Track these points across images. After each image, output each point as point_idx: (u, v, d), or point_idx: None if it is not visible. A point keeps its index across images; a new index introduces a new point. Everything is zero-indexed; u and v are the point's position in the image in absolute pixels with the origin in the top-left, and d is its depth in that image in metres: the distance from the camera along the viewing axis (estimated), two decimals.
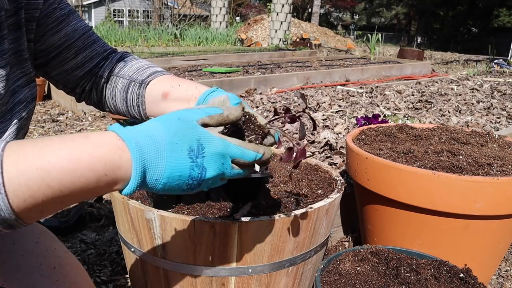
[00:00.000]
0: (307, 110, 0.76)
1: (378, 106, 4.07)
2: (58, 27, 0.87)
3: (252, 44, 12.88)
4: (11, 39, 0.75)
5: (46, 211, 0.54)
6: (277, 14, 12.72)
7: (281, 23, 12.70)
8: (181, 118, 0.59)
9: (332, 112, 3.69)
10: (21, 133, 0.80)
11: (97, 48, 0.94)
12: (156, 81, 0.91)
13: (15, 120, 0.76)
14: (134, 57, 0.98)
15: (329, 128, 3.06)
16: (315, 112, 3.65)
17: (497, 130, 3.14)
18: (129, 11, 21.23)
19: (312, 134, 2.81)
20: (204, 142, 0.58)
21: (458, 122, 3.34)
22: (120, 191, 0.57)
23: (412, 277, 1.03)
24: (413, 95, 4.74)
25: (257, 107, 3.91)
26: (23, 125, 0.80)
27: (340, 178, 1.28)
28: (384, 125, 1.83)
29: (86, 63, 0.93)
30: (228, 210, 1.05)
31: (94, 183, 0.53)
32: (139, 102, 0.91)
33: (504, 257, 1.75)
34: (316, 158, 2.27)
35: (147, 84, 0.90)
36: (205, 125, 0.61)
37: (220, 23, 13.98)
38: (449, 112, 3.81)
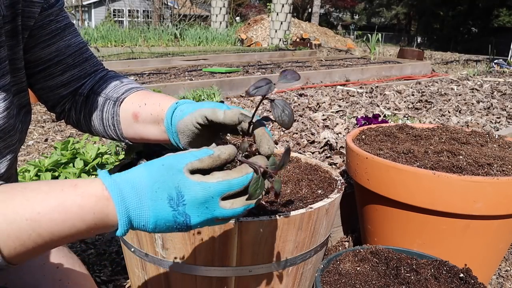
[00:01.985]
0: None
1: (378, 106, 4.07)
2: (51, 40, 0.82)
3: (252, 44, 12.88)
4: (8, 46, 0.72)
5: (37, 254, 0.55)
6: (277, 14, 12.72)
7: (281, 23, 12.70)
8: (165, 164, 0.58)
9: (332, 112, 3.69)
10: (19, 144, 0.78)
11: (87, 67, 0.89)
12: (128, 99, 0.86)
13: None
14: (118, 75, 0.93)
15: (329, 128, 3.06)
16: (315, 112, 3.65)
17: (497, 130, 3.14)
18: (129, 11, 21.23)
19: (312, 134, 2.81)
20: (182, 190, 0.56)
21: (458, 122, 3.34)
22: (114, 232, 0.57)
23: (412, 277, 1.03)
24: (413, 95, 4.74)
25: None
26: (25, 129, 0.79)
27: (340, 178, 1.28)
28: (384, 125, 1.83)
29: (72, 82, 0.88)
30: None
31: (85, 230, 0.55)
32: (114, 121, 0.86)
33: (504, 257, 1.75)
34: (316, 158, 2.27)
35: (121, 102, 0.85)
36: (195, 170, 0.58)
37: (220, 23, 13.99)
38: (449, 112, 3.81)
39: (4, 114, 0.69)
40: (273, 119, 0.63)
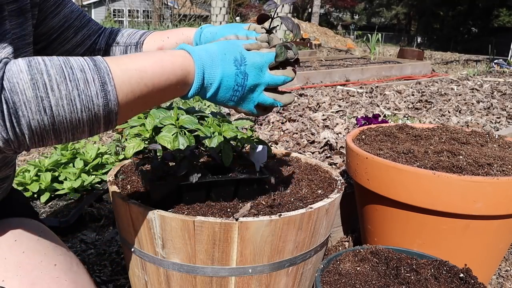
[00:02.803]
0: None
1: (378, 106, 4.07)
2: (57, 10, 0.94)
3: (275, 18, 12.86)
4: (14, 24, 0.80)
5: (134, 110, 0.69)
6: (277, 14, 12.72)
7: (281, 23, 12.71)
8: (229, 41, 0.80)
9: (332, 112, 3.69)
10: None
11: (93, 26, 1.04)
12: (148, 39, 1.04)
13: None
14: (120, 28, 1.10)
15: (329, 128, 3.06)
16: (315, 112, 3.65)
17: (497, 130, 3.14)
18: (129, 11, 21.22)
19: (312, 134, 2.81)
20: (245, 55, 0.78)
21: (458, 122, 3.34)
22: (185, 96, 0.75)
23: (412, 277, 1.03)
24: (413, 95, 4.74)
25: None
26: None
27: (340, 178, 1.28)
28: (384, 125, 1.83)
29: (85, 40, 1.02)
30: (228, 210, 1.05)
31: (174, 84, 0.71)
32: None
33: (504, 257, 1.75)
34: (316, 158, 2.27)
35: (142, 44, 1.04)
36: (247, 49, 0.80)
37: (220, 23, 13.98)
38: (449, 112, 3.81)
39: None
40: (286, 29, 0.87)
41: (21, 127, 0.58)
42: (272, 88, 0.84)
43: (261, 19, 0.89)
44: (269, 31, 0.88)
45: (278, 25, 0.91)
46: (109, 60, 0.65)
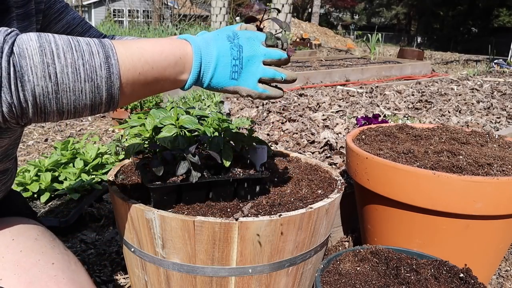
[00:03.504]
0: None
1: (378, 106, 4.07)
2: (60, 16, 1.00)
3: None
4: (20, 27, 0.84)
5: (137, 90, 0.71)
6: (277, 14, 12.72)
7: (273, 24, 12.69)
8: (222, 28, 0.84)
9: (332, 112, 3.69)
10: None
11: (94, 33, 1.09)
12: None
13: None
14: (122, 36, 1.16)
15: (329, 128, 3.06)
16: (315, 112, 3.65)
17: (497, 130, 3.14)
18: (129, 11, 21.21)
19: (312, 134, 2.81)
20: (237, 32, 0.81)
21: (458, 122, 3.34)
22: (186, 84, 0.78)
23: (412, 277, 1.03)
24: (413, 95, 4.74)
25: (257, 107, 3.91)
26: None
27: (340, 178, 1.28)
28: (384, 125, 1.83)
29: None
30: (228, 210, 1.05)
31: (173, 65, 0.74)
32: None
33: (504, 257, 1.74)
34: (316, 158, 2.27)
35: None
36: None
37: (220, 23, 13.99)
38: (449, 112, 3.81)
39: None
40: (278, 27, 0.92)
41: (25, 92, 0.60)
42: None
43: (249, 20, 0.92)
44: (260, 29, 0.91)
45: (265, 26, 0.94)
46: (114, 41, 0.70)
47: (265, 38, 0.84)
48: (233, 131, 1.26)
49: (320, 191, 1.20)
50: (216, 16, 13.99)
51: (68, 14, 1.03)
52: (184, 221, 0.94)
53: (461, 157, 1.35)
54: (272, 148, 1.54)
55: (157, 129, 1.22)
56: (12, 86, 0.59)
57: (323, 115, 3.45)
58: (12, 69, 0.59)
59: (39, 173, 1.96)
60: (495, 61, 9.20)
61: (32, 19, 0.90)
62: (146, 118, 1.26)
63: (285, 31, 0.90)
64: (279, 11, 1.12)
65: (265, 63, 0.83)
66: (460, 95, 4.70)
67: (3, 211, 0.96)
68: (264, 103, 4.18)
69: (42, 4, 0.94)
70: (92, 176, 2.04)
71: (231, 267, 0.99)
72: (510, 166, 1.29)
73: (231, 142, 1.20)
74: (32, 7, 0.89)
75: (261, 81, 0.83)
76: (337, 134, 2.86)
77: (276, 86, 0.87)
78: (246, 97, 0.85)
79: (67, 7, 1.03)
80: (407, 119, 3.40)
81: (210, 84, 0.80)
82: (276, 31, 0.92)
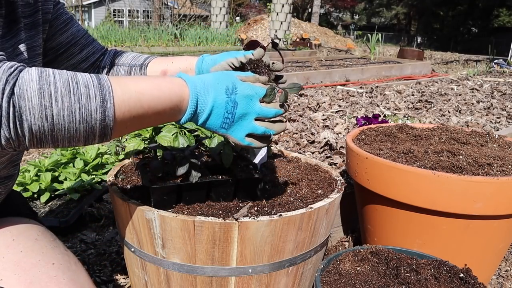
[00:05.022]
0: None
1: (378, 106, 4.07)
2: (66, 27, 1.04)
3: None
4: (27, 36, 0.88)
5: (129, 128, 0.74)
6: (277, 14, 12.72)
7: (281, 23, 12.70)
8: (224, 72, 0.86)
9: (332, 112, 3.69)
10: None
11: (96, 45, 1.13)
12: (152, 63, 1.13)
13: None
14: (124, 51, 1.20)
15: (329, 128, 3.06)
16: (315, 112, 3.65)
17: (497, 130, 3.14)
18: (129, 11, 21.21)
19: (312, 134, 2.81)
20: (236, 85, 0.83)
21: (458, 122, 3.34)
22: (178, 122, 0.81)
23: (412, 277, 1.03)
24: (413, 95, 4.74)
25: None
26: None
27: (340, 178, 1.28)
28: (384, 125, 1.83)
29: (90, 57, 1.11)
30: (228, 210, 1.05)
31: (169, 109, 0.77)
32: None
33: (504, 257, 1.74)
34: (316, 158, 2.27)
35: (147, 66, 1.12)
36: (243, 81, 0.86)
37: (220, 23, 13.99)
38: (449, 112, 3.81)
39: None
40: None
41: (23, 129, 0.64)
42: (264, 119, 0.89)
43: (249, 46, 1.00)
44: (263, 47, 0.98)
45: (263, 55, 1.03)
46: (112, 79, 0.71)
47: (264, 95, 0.86)
48: None
49: (320, 191, 1.21)
50: (216, 16, 13.99)
51: (73, 26, 1.06)
52: (184, 221, 0.94)
53: (461, 157, 1.35)
54: (272, 148, 1.54)
55: (157, 129, 1.22)
56: (11, 124, 0.63)
57: (323, 115, 3.45)
58: (11, 109, 0.63)
59: (39, 173, 1.96)
60: (495, 61, 9.19)
61: (39, 29, 0.93)
62: None
63: (284, 91, 0.91)
64: (276, 43, 1.15)
65: (258, 119, 0.86)
66: (460, 95, 4.70)
67: (4, 211, 0.96)
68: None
69: (49, 14, 0.98)
70: (92, 176, 2.04)
71: (231, 267, 0.99)
72: (510, 166, 1.29)
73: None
74: (39, 17, 0.93)
75: (250, 135, 0.87)
76: (337, 134, 2.86)
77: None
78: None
79: (72, 19, 1.07)
80: (407, 119, 3.40)
81: (201, 126, 0.84)
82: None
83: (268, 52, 1.01)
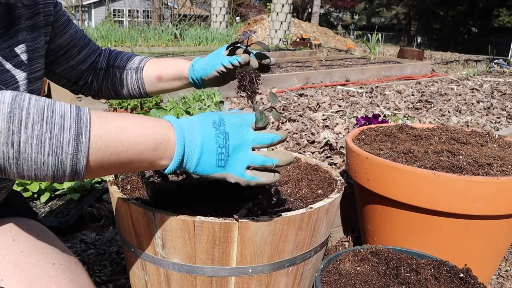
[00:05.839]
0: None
1: (378, 106, 4.07)
2: (65, 29, 1.05)
3: (252, 44, 12.86)
4: (29, 38, 0.88)
5: (105, 168, 0.68)
6: (277, 14, 12.72)
7: (281, 23, 12.70)
8: (209, 112, 0.80)
9: (332, 112, 3.70)
10: None
11: (93, 46, 1.14)
12: (147, 66, 1.15)
13: None
14: (118, 50, 1.21)
15: (329, 128, 3.06)
16: (315, 112, 3.65)
17: (497, 130, 3.15)
18: (129, 11, 21.22)
19: (312, 134, 2.81)
20: (223, 116, 0.77)
21: (458, 122, 3.34)
22: (165, 168, 0.74)
23: (412, 277, 1.03)
24: (413, 95, 4.74)
25: None
26: None
27: (340, 178, 1.28)
28: (384, 125, 1.83)
29: (88, 58, 1.12)
30: (228, 210, 1.05)
31: (151, 149, 0.70)
32: (139, 84, 1.16)
33: (504, 257, 1.75)
34: (316, 158, 2.27)
35: (142, 69, 1.15)
36: None
37: (220, 23, 13.98)
38: (449, 112, 3.81)
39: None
40: (261, 49, 0.99)
41: None
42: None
43: (231, 49, 1.01)
44: (247, 51, 0.99)
45: (240, 47, 1.04)
46: (94, 113, 0.66)
47: (256, 121, 0.79)
48: None
49: (320, 191, 1.21)
50: (216, 16, 13.99)
51: (71, 28, 1.07)
52: (184, 221, 0.94)
53: (461, 157, 1.35)
54: (272, 148, 1.53)
55: None
56: None
57: (323, 115, 3.45)
58: None
59: None
60: (495, 61, 9.20)
61: (41, 31, 0.93)
62: None
63: (273, 109, 0.88)
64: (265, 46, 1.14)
65: (255, 148, 0.78)
66: (460, 95, 4.70)
67: (4, 212, 0.96)
68: (264, 103, 4.18)
69: (51, 16, 0.98)
70: None
71: (231, 267, 0.99)
72: (510, 166, 1.29)
73: None
74: (40, 19, 0.93)
75: (250, 167, 0.78)
76: (337, 134, 2.86)
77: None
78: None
79: (70, 20, 1.07)
80: (407, 119, 3.40)
81: (196, 171, 0.75)
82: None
83: (268, 52, 1.02)
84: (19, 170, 0.62)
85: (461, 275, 1.03)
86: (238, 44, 1.00)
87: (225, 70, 1.01)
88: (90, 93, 1.20)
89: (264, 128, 0.80)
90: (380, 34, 11.11)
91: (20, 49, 0.85)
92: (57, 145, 0.62)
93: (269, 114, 0.86)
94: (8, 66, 0.81)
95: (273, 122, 0.93)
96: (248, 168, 0.77)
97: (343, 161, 2.18)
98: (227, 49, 1.01)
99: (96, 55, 1.15)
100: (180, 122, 0.74)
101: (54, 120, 0.62)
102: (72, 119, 0.63)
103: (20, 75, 0.84)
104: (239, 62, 0.96)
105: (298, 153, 1.70)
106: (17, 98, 0.61)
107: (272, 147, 0.86)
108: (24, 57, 0.85)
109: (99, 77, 1.17)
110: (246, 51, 0.97)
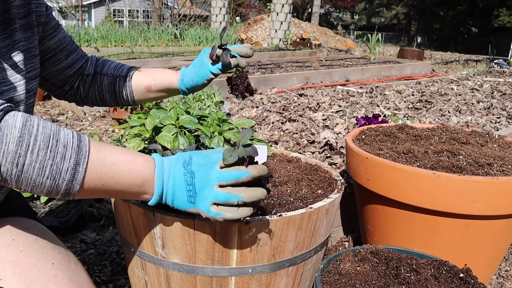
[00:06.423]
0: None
1: (378, 106, 4.07)
2: (54, 33, 1.06)
3: (252, 44, 12.87)
4: (23, 37, 0.89)
5: (95, 194, 0.76)
6: (277, 14, 12.72)
7: (281, 23, 12.69)
8: (185, 152, 0.85)
9: (332, 112, 3.70)
10: None
11: (80, 52, 1.16)
12: (136, 75, 1.19)
13: (23, 107, 0.88)
14: (105, 59, 1.23)
15: (329, 128, 3.06)
16: (315, 112, 3.65)
17: (497, 130, 3.14)
18: (129, 11, 21.22)
19: (312, 134, 2.81)
20: (193, 156, 0.82)
21: (458, 122, 3.34)
22: (149, 201, 0.81)
23: (412, 277, 1.03)
24: (413, 95, 4.74)
25: (257, 107, 3.91)
26: (30, 112, 0.91)
27: (340, 178, 1.28)
28: (384, 125, 1.83)
29: (75, 63, 1.14)
30: None
31: (138, 185, 0.78)
32: (128, 92, 1.19)
33: (504, 257, 1.74)
34: (316, 158, 2.27)
35: (131, 78, 1.18)
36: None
37: (220, 23, 13.98)
38: (449, 112, 3.81)
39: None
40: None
41: None
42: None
43: (217, 57, 1.10)
44: (226, 49, 1.07)
45: (222, 43, 1.12)
46: (93, 144, 0.74)
47: (223, 158, 0.79)
48: (234, 131, 1.26)
49: (320, 191, 1.21)
50: (216, 16, 13.99)
51: (60, 32, 1.08)
52: (184, 221, 0.94)
53: (461, 157, 1.35)
54: (272, 148, 1.54)
55: (157, 129, 1.22)
56: None
57: (323, 115, 3.45)
58: None
59: None
60: (495, 61, 9.19)
61: (34, 30, 0.94)
62: (146, 118, 1.26)
63: (239, 147, 0.80)
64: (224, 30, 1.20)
65: (223, 186, 0.78)
66: (460, 95, 4.70)
67: (3, 211, 0.96)
68: (264, 103, 4.18)
69: (43, 17, 0.99)
70: None
71: (231, 267, 0.99)
72: (510, 166, 1.29)
73: (231, 142, 1.20)
74: (33, 19, 0.94)
75: (217, 204, 0.79)
76: (337, 134, 2.86)
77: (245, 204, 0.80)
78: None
79: (59, 25, 1.09)
80: (407, 119, 3.40)
81: (174, 206, 0.82)
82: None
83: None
84: (18, 184, 0.70)
85: (461, 275, 1.03)
86: (220, 45, 1.09)
87: (214, 77, 1.11)
88: (75, 99, 1.21)
89: (234, 164, 0.79)
90: (380, 34, 11.11)
91: (16, 49, 0.85)
92: (57, 171, 0.69)
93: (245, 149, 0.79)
94: (5, 65, 0.82)
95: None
96: (215, 204, 0.79)
97: (343, 161, 2.18)
98: (210, 57, 1.10)
99: (83, 62, 1.16)
100: (162, 162, 0.81)
101: (57, 149, 0.69)
102: (73, 150, 0.71)
103: (17, 75, 0.85)
104: (220, 70, 1.08)
105: (298, 153, 1.70)
106: (27, 124, 0.68)
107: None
108: (20, 57, 0.86)
109: (86, 83, 1.18)
110: (225, 49, 1.05)
